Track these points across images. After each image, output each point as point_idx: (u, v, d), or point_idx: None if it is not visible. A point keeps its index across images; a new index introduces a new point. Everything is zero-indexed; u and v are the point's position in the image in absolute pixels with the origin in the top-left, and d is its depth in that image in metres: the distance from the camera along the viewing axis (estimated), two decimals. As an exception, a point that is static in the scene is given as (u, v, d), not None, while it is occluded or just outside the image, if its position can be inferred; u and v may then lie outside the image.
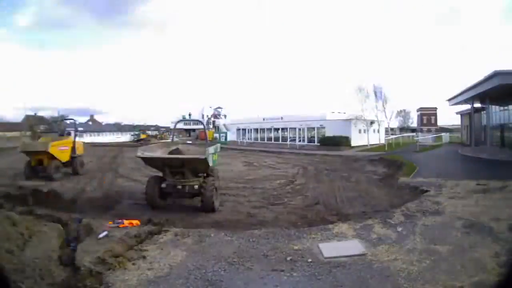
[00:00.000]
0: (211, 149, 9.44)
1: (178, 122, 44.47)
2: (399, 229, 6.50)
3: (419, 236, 5.97)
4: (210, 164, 9.29)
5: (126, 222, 7.02)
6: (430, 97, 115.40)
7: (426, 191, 9.89)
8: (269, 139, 40.33)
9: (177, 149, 10.76)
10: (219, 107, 75.96)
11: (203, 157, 8.82)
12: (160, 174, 9.55)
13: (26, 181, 13.27)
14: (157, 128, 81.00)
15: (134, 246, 5.72)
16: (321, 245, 5.67)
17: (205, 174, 9.47)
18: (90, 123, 73.25)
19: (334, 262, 4.98)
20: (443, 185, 10.49)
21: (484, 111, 23.90)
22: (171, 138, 15.93)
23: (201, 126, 61.24)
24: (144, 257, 5.20)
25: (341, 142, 30.38)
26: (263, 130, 41.65)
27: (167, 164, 9.16)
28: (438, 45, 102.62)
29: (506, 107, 22.19)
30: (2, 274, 3.35)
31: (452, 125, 50.97)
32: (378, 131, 33.38)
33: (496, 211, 7.04)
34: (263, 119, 42.25)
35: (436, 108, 63.05)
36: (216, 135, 50.36)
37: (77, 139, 17.48)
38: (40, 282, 4.05)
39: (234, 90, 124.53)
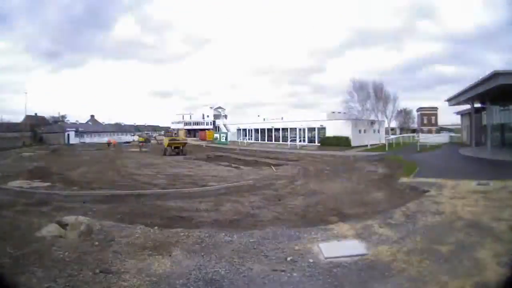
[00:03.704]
0: None
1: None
2: (400, 229, 6.49)
3: (419, 236, 5.96)
4: None
5: None
6: (431, 96, 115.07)
7: (427, 191, 9.88)
8: (270, 139, 40.32)
9: None
10: (220, 107, 76.06)
11: None
12: None
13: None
14: (154, 128, 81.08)
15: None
16: (321, 245, 5.66)
17: None
18: (91, 123, 73.17)
19: (334, 262, 4.97)
20: (444, 185, 10.47)
21: (485, 111, 23.87)
22: None
23: (201, 127, 61.36)
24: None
25: (341, 142, 30.40)
26: (263, 130, 41.64)
27: None
28: (439, 44, 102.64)
29: (506, 107, 22.17)
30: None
31: (453, 125, 50.87)
32: (379, 131, 33.39)
33: (496, 211, 7.03)
34: (264, 119, 42.27)
35: (436, 108, 63.24)
36: (217, 135, 50.39)
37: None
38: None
39: (234, 90, 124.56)
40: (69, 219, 6.88)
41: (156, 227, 6.91)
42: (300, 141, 36.06)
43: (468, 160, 17.99)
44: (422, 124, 63.89)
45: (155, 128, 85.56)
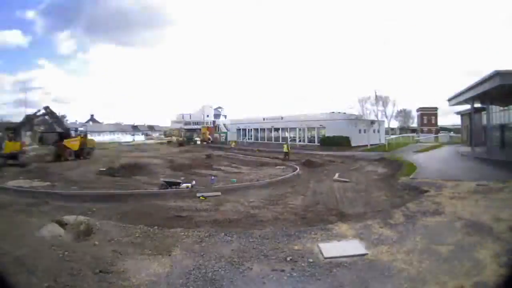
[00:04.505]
0: None
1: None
2: (399, 229, 6.49)
3: (419, 236, 5.97)
4: None
5: None
6: (431, 96, 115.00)
7: (426, 191, 9.88)
8: (269, 139, 40.29)
9: None
10: (219, 107, 76.10)
11: None
12: None
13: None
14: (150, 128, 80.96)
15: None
16: (321, 245, 5.67)
17: None
18: (91, 123, 73.13)
19: (334, 262, 4.98)
20: (443, 185, 10.47)
21: (484, 111, 23.85)
22: None
23: (201, 127, 61.25)
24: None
25: (341, 142, 30.38)
26: (263, 130, 41.63)
27: None
28: (439, 44, 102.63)
29: (506, 107, 22.15)
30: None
31: (453, 125, 50.87)
32: (379, 131, 33.36)
33: (496, 211, 7.02)
34: (263, 119, 42.23)
35: (436, 108, 63.15)
36: (216, 135, 50.40)
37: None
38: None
39: (234, 89, 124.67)
40: (69, 218, 6.88)
41: (155, 227, 6.91)
42: (300, 141, 36.07)
43: (467, 160, 17.99)
44: (422, 124, 63.73)
45: (154, 128, 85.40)
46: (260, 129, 42.04)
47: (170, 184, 12.48)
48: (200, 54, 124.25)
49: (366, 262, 4.95)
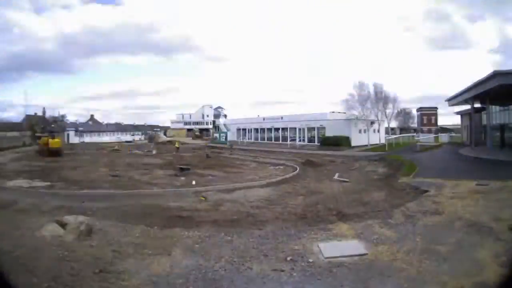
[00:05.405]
0: None
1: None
2: (399, 229, 6.50)
3: (419, 236, 5.96)
4: None
5: None
6: (430, 96, 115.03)
7: (426, 191, 9.87)
8: (269, 139, 40.26)
9: None
10: (219, 107, 76.09)
11: None
12: None
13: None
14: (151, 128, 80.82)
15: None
16: (321, 245, 5.67)
17: None
18: (91, 122, 73.11)
19: (334, 262, 4.98)
20: (443, 185, 10.46)
21: (484, 111, 23.88)
22: None
23: (201, 127, 61.22)
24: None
25: (341, 142, 30.35)
26: (263, 130, 41.58)
27: None
28: (439, 44, 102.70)
29: (506, 107, 22.16)
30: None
31: (453, 125, 50.86)
32: (379, 131, 33.34)
33: (496, 211, 7.03)
34: (263, 119, 42.21)
35: (436, 108, 63.16)
36: (216, 134, 50.43)
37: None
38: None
39: (234, 89, 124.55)
40: (69, 218, 6.87)
41: (156, 227, 6.92)
42: (300, 141, 36.05)
43: (467, 160, 17.98)
44: (422, 124, 63.76)
45: (154, 128, 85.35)
46: (260, 129, 42.01)
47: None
48: (202, 53, 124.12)
49: (366, 262, 4.95)
